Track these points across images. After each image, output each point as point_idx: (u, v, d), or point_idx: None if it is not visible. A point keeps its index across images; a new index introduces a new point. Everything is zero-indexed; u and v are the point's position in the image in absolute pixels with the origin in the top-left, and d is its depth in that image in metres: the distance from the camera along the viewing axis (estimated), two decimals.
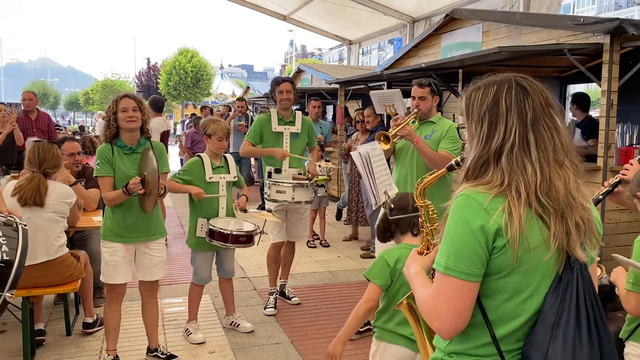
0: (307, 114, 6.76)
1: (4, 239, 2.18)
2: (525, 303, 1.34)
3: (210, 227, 3.77)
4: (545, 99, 1.39)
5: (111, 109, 3.34)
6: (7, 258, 2.14)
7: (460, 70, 6.09)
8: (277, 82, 4.70)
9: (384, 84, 7.96)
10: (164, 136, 7.32)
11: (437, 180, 1.68)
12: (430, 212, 1.69)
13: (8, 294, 2.11)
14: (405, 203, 2.54)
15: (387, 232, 2.59)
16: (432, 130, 3.87)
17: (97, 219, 4.37)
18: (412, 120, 3.80)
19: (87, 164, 5.31)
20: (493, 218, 1.30)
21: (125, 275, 3.45)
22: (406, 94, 5.81)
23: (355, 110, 7.61)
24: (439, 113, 4.06)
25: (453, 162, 1.63)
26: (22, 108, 6.85)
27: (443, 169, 1.67)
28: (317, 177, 4.53)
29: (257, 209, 8.62)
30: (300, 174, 4.57)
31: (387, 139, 3.69)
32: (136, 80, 41.81)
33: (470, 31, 7.08)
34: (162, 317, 4.36)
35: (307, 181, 4.42)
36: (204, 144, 4.89)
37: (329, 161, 7.19)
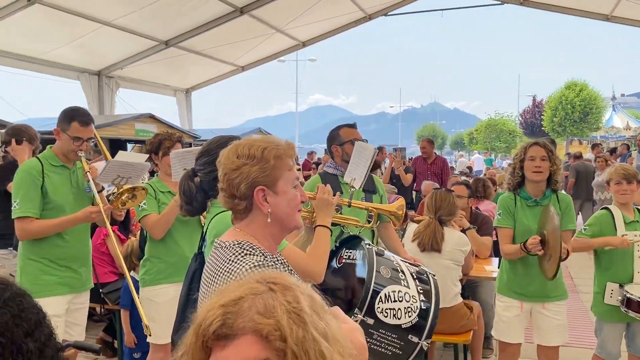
0: None
1: (420, 287, 2.25)
2: None
3: (628, 295, 3.14)
4: None
5: (519, 156, 3.19)
6: (424, 307, 2.20)
7: None
8: None
9: None
10: None
11: None
12: None
13: (425, 343, 2.15)
14: None
15: None
16: None
17: (489, 268, 4.27)
18: None
19: (477, 208, 5.32)
20: None
21: (517, 335, 3.24)
22: None
23: None
24: None
25: None
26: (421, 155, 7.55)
27: None
28: None
29: None
30: None
31: None
32: (519, 119, 41.52)
33: None
34: None
35: None
36: None
37: None
